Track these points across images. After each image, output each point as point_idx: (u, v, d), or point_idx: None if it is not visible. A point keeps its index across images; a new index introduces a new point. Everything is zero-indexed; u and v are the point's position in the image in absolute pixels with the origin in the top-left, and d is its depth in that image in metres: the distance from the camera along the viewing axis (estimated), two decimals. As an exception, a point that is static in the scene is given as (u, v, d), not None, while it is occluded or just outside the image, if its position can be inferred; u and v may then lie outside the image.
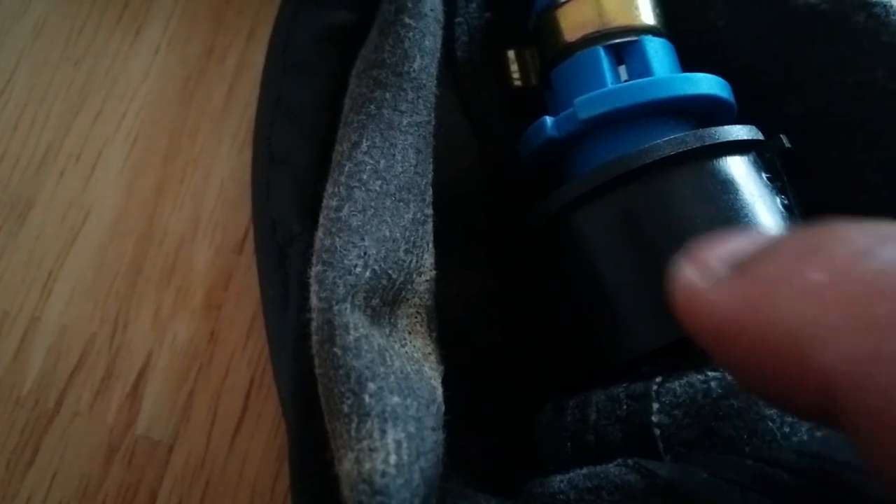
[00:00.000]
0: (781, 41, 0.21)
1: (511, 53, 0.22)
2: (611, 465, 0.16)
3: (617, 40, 0.20)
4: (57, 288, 0.25)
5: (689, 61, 0.21)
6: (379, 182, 0.18)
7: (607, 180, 0.16)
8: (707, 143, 0.18)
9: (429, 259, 0.19)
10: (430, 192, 0.19)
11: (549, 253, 0.20)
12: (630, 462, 0.16)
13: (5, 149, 0.26)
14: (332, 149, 0.20)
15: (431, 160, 0.19)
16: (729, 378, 0.17)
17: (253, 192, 0.23)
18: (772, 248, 0.13)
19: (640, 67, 0.20)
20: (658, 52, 0.20)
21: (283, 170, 0.22)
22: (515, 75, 0.22)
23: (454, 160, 0.21)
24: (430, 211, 0.19)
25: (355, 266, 0.17)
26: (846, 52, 0.20)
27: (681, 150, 0.18)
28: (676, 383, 0.17)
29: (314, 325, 0.16)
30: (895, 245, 0.11)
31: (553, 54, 0.21)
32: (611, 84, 0.19)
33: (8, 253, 0.25)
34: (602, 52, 0.20)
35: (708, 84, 0.19)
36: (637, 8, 0.20)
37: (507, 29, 0.23)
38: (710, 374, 0.17)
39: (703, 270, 0.14)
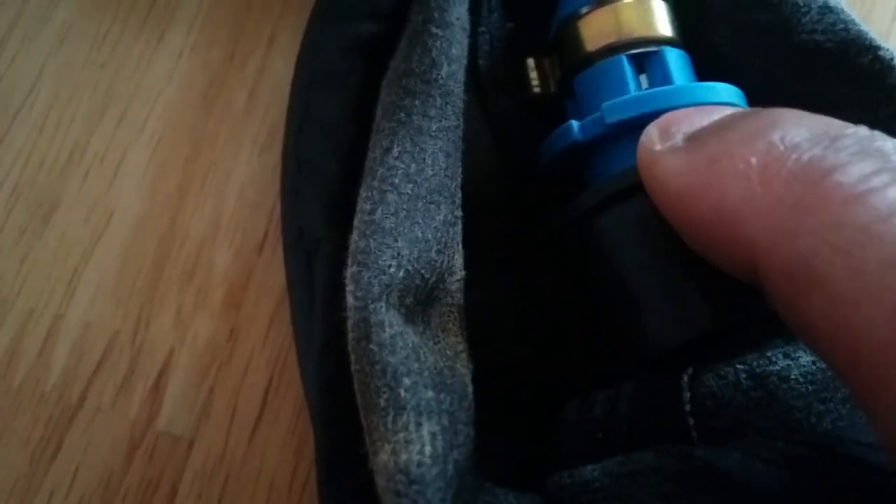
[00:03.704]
0: (783, 73, 0.21)
1: (531, 61, 0.23)
2: (645, 451, 0.16)
3: (638, 50, 0.21)
4: (81, 286, 0.25)
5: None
6: (410, 185, 0.18)
7: (636, 182, 0.17)
8: None
9: (459, 260, 0.19)
10: (460, 194, 0.20)
11: (575, 254, 0.20)
12: (665, 447, 0.16)
13: (31, 150, 0.27)
14: (359, 157, 0.20)
15: (461, 163, 0.20)
16: (756, 370, 0.17)
17: (281, 199, 0.24)
18: (724, 126, 0.16)
19: (661, 77, 0.20)
20: (677, 62, 0.20)
21: (309, 177, 0.23)
22: (535, 83, 0.23)
23: (476, 166, 0.22)
24: (459, 213, 0.19)
25: (389, 266, 0.17)
26: (850, 91, 0.20)
27: None
28: (707, 375, 0.17)
29: (350, 322, 0.17)
30: (822, 144, 0.14)
31: (575, 63, 0.22)
32: (634, 91, 0.20)
33: (33, 252, 0.26)
34: (625, 61, 0.20)
35: (728, 94, 0.19)
36: (656, 20, 0.21)
37: (528, 39, 0.24)
38: (738, 366, 0.17)
39: (664, 136, 0.17)
